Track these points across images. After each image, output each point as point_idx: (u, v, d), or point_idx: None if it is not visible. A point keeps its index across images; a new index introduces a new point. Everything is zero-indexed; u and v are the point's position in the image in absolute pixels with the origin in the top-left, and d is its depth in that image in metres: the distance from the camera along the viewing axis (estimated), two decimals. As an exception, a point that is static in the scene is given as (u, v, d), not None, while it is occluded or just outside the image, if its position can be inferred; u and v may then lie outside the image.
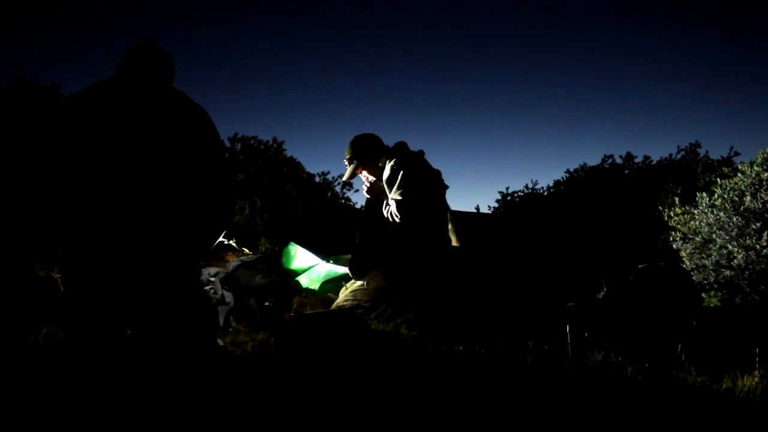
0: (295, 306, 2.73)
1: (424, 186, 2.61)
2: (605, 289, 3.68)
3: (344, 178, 2.91)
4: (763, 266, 3.20)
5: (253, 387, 1.38)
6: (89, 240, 1.46)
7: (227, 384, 1.38)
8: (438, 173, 2.79)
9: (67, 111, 1.57)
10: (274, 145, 7.46)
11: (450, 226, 2.84)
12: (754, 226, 3.27)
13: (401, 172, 2.58)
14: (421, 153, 2.77)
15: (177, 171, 1.57)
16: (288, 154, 7.41)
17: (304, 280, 3.46)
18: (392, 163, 2.64)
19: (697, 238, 3.64)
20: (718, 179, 3.64)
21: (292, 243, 3.69)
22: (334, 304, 2.64)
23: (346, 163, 2.82)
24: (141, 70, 1.62)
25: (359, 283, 2.63)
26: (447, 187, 2.83)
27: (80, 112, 1.53)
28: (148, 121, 1.54)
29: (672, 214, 3.95)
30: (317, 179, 8.28)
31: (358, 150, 2.76)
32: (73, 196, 1.49)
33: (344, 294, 2.65)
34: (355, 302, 2.53)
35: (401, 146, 2.75)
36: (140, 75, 1.61)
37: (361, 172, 2.80)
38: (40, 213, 1.60)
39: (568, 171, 7.64)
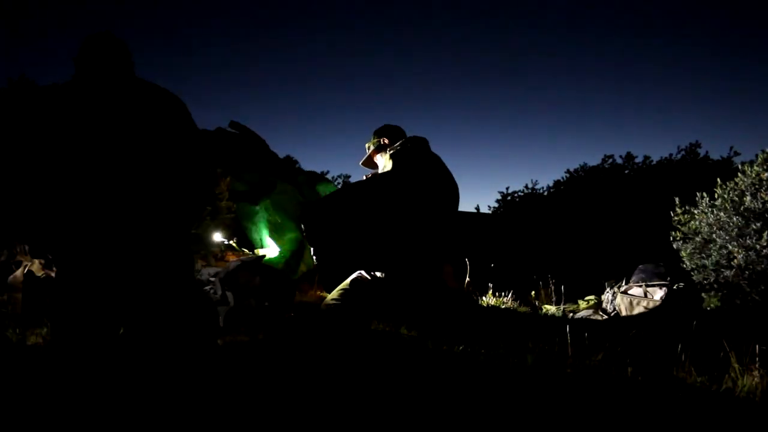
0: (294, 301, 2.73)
1: (414, 182, 2.60)
2: (606, 289, 3.68)
3: (360, 162, 3.02)
4: (763, 266, 3.20)
5: (253, 387, 1.38)
6: (76, 239, 1.45)
7: (226, 384, 1.38)
8: (446, 173, 2.77)
9: (36, 112, 1.55)
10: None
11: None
12: (754, 226, 3.27)
13: (393, 164, 2.60)
14: (425, 143, 2.77)
15: (154, 158, 1.54)
16: (287, 153, 7.45)
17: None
18: (389, 154, 2.68)
19: (697, 238, 3.64)
20: (718, 179, 3.64)
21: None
22: (324, 302, 2.64)
23: (367, 147, 2.91)
24: (97, 64, 1.58)
25: (345, 282, 2.64)
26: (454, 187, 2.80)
27: (49, 111, 1.51)
28: (116, 115, 1.51)
29: (672, 214, 3.95)
30: (317, 179, 8.28)
31: (379, 136, 2.84)
32: (58, 195, 1.48)
33: (332, 293, 2.66)
34: (340, 302, 2.53)
35: (407, 140, 2.75)
36: (98, 69, 1.58)
37: (374, 156, 2.88)
38: (32, 213, 1.58)
39: (568, 171, 7.65)
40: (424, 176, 2.63)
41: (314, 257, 3.02)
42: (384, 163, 2.78)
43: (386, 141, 2.82)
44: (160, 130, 1.56)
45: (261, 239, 3.74)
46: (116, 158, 1.49)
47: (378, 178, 2.74)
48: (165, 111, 1.60)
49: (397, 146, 2.72)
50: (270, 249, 3.63)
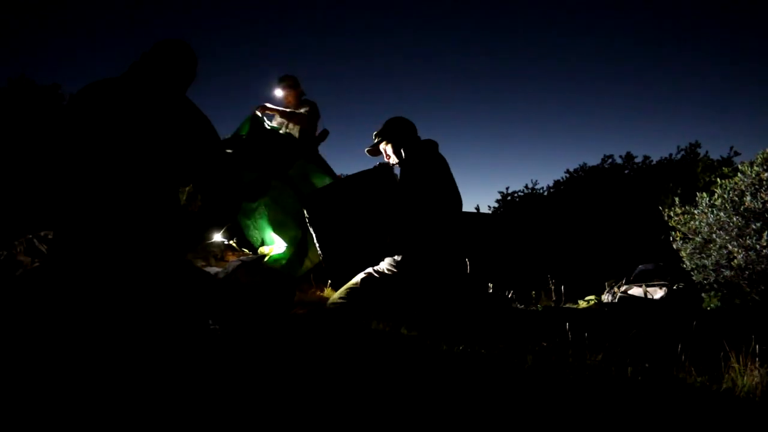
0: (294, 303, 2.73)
1: (426, 185, 2.58)
2: (606, 289, 3.69)
3: (366, 150, 3.02)
4: (763, 266, 3.20)
5: (252, 386, 1.38)
6: (82, 232, 1.47)
7: (225, 383, 1.38)
8: (450, 178, 2.77)
9: (72, 107, 1.59)
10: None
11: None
12: (754, 226, 3.27)
13: (409, 168, 2.58)
14: (435, 147, 2.77)
15: (169, 172, 1.59)
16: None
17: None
18: (401, 153, 2.66)
19: (697, 238, 3.64)
20: (718, 179, 3.63)
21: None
22: (329, 300, 2.64)
23: (374, 137, 2.88)
24: (152, 72, 1.64)
25: (353, 281, 2.63)
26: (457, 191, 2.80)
27: (84, 108, 1.55)
28: (147, 123, 1.56)
29: (672, 214, 3.95)
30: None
31: (388, 127, 2.81)
32: (69, 189, 1.50)
33: (339, 291, 2.65)
34: (346, 301, 2.52)
35: (421, 143, 2.74)
36: (149, 77, 1.63)
37: (380, 146, 2.86)
38: (37, 205, 1.62)
39: (568, 171, 7.64)
40: (433, 180, 2.62)
41: (318, 245, 3.03)
42: (388, 153, 2.79)
43: (395, 135, 2.79)
44: (182, 145, 1.63)
45: (262, 237, 3.75)
46: (131, 164, 1.52)
47: (386, 174, 2.72)
48: (192, 129, 1.66)
49: (410, 148, 2.69)
50: (276, 245, 3.66)
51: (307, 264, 3.54)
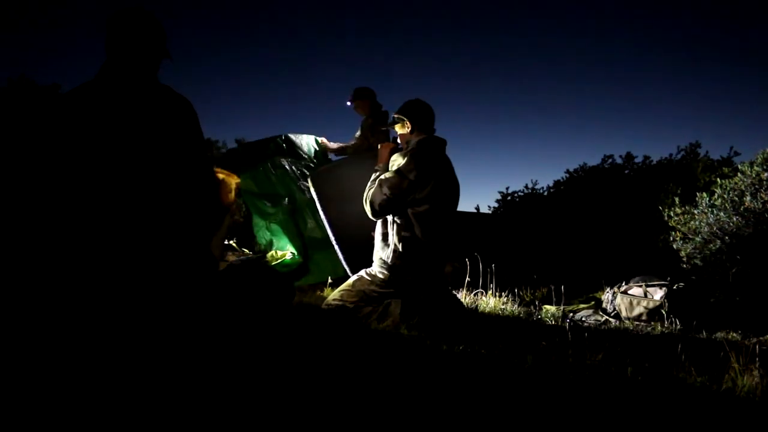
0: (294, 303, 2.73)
1: (427, 185, 2.51)
2: (605, 289, 3.68)
3: (383, 127, 2.99)
4: (763, 266, 3.20)
5: (251, 386, 1.38)
6: (82, 243, 1.45)
7: (224, 383, 1.38)
8: (453, 178, 2.71)
9: (55, 116, 1.55)
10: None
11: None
12: (754, 226, 3.27)
13: (415, 164, 2.48)
14: (443, 145, 2.70)
15: (165, 171, 1.55)
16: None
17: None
18: (413, 150, 2.57)
19: (697, 238, 3.64)
20: (718, 179, 3.64)
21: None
22: (325, 302, 2.64)
23: (394, 116, 2.78)
24: (123, 64, 1.58)
25: (347, 282, 2.63)
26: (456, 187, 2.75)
27: (68, 118, 1.51)
28: (135, 125, 1.52)
29: (672, 214, 3.95)
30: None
31: (405, 109, 2.70)
32: (64, 199, 1.48)
33: (333, 293, 2.65)
34: (341, 302, 2.52)
35: (435, 141, 2.67)
36: (123, 72, 1.57)
37: (395, 126, 2.75)
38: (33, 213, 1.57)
39: (568, 171, 7.62)
40: (436, 180, 2.55)
41: (325, 221, 3.05)
42: (399, 135, 2.73)
43: (409, 122, 2.68)
44: (172, 142, 1.57)
45: (272, 240, 3.84)
46: (127, 167, 1.49)
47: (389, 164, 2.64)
48: (179, 122, 1.60)
49: (415, 146, 2.60)
50: (287, 252, 3.74)
51: (310, 279, 3.59)
